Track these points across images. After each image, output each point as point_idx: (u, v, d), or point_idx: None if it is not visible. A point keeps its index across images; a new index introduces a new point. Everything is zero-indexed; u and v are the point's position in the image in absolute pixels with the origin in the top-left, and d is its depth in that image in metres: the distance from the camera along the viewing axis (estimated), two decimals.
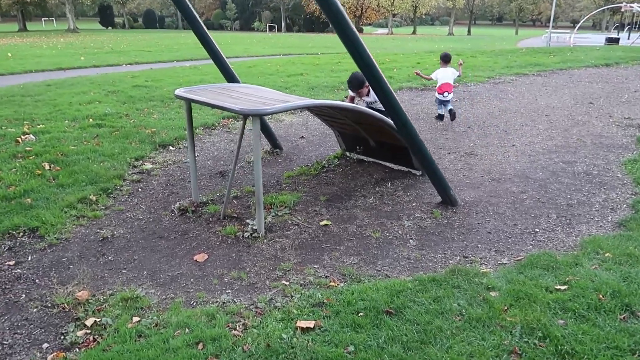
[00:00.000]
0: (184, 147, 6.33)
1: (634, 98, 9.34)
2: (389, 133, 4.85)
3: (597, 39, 36.41)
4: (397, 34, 61.71)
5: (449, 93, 7.69)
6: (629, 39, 31.84)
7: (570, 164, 5.53)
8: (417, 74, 8.23)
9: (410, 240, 3.83)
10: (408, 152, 5.08)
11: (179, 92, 4.10)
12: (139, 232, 4.02)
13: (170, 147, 6.25)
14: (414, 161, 5.13)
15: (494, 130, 7.20)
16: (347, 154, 5.80)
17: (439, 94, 7.81)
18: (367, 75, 3.83)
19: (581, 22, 36.21)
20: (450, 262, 3.50)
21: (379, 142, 5.35)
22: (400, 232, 3.96)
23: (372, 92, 5.19)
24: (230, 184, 4.15)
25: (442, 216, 4.24)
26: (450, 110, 7.63)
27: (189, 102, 4.16)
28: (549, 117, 7.89)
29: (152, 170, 5.41)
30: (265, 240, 3.80)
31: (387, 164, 5.47)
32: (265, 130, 5.93)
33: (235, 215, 4.22)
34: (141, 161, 5.63)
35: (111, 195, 4.70)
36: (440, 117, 7.89)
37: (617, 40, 27.89)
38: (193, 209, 4.37)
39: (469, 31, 67.68)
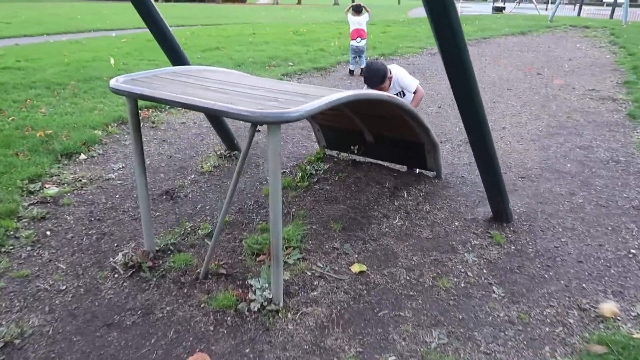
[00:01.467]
0: (100, 154, 4.54)
1: (576, 67, 9.04)
2: (404, 126, 3.63)
3: (477, 8, 38.02)
4: (282, 4, 59.81)
5: (361, 39, 7.84)
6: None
7: (587, 150, 4.75)
8: None
9: (493, 287, 2.68)
10: (422, 149, 3.91)
11: (119, 83, 2.46)
12: (67, 319, 2.41)
13: (79, 157, 4.43)
14: (428, 160, 3.98)
15: None
16: (331, 152, 4.48)
17: (352, 40, 7.97)
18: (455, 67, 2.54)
19: None
20: (570, 321, 2.42)
21: (380, 137, 4.11)
22: (468, 272, 2.80)
23: (396, 81, 3.84)
24: (217, 236, 2.64)
25: (506, 240, 3.15)
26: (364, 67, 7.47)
27: (135, 99, 2.55)
28: (513, 92, 7.18)
29: (60, 196, 3.65)
30: (289, 315, 2.42)
31: (387, 163, 4.26)
32: (219, 125, 4.39)
33: (224, 272, 2.75)
34: (40, 183, 3.81)
35: (2, 251, 2.95)
36: (350, 72, 7.99)
37: (502, 9, 29.04)
38: (150, 264, 2.81)
39: (352, 0, 67.88)
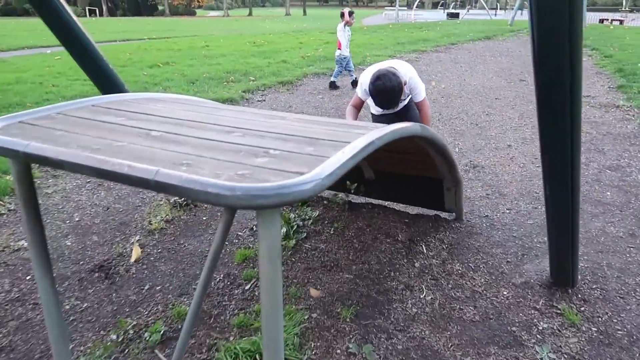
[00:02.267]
0: (11, 210, 3.42)
1: None
2: (424, 161, 2.74)
3: (428, 15, 38.24)
4: (233, 15, 58.68)
5: (338, 50, 7.24)
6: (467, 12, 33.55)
7: (619, 171, 4.00)
8: None
9: None
10: (439, 186, 3.03)
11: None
12: None
13: None
14: (447, 199, 3.10)
15: (460, 122, 5.50)
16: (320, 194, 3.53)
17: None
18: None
19: (417, 0, 37.48)
20: None
21: (385, 174, 3.20)
22: None
23: (408, 85, 2.97)
24: (181, 354, 1.64)
25: (581, 317, 2.27)
26: (331, 83, 7.24)
27: (27, 163, 1.52)
28: (503, 101, 6.47)
29: None
30: None
31: (392, 203, 3.35)
32: None
33: None
34: None
35: None
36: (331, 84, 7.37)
37: (457, 15, 29.09)
38: None
39: (304, 11, 67.42)
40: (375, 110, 3.33)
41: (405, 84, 2.88)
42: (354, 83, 7.21)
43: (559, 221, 2.18)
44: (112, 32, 21.81)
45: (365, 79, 2.94)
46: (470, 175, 4.02)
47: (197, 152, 1.34)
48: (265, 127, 1.63)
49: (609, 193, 3.59)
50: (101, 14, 58.12)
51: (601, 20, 23.98)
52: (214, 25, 30.63)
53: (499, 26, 16.71)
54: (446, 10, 36.39)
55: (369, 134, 1.45)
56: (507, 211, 3.36)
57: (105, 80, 2.65)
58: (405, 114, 3.30)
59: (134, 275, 2.63)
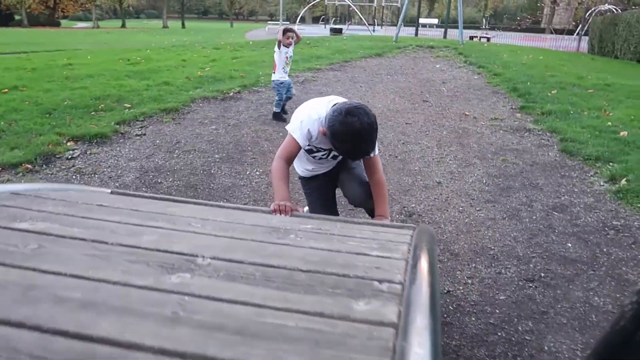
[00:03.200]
0: None
1: (455, 91, 8.33)
2: None
3: (311, 30, 38.50)
4: (104, 27, 54.48)
5: (273, 73, 6.21)
6: (374, 31, 34.12)
7: (565, 212, 3.59)
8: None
9: None
10: None
11: None
12: None
13: None
14: None
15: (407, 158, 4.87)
16: None
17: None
18: None
19: (300, 14, 37.56)
20: None
21: None
22: None
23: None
24: None
25: None
26: (275, 114, 6.24)
27: None
28: (414, 127, 6.01)
29: None
30: None
31: None
32: None
33: None
34: None
35: None
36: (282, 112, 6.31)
37: (340, 31, 29.44)
38: None
39: (183, 24, 64.94)
40: (307, 168, 2.47)
41: None
42: (277, 115, 6.15)
43: None
44: None
45: (308, 117, 2.08)
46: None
47: None
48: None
49: (569, 245, 3.11)
50: None
51: (471, 38, 25.65)
52: (81, 38, 27.79)
53: (384, 42, 16.83)
54: (329, 26, 36.90)
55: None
56: (469, 281, 2.71)
57: None
58: (348, 172, 2.47)
59: None
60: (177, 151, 4.84)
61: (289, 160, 2.10)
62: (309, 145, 2.16)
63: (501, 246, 3.10)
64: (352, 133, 1.84)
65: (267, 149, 4.99)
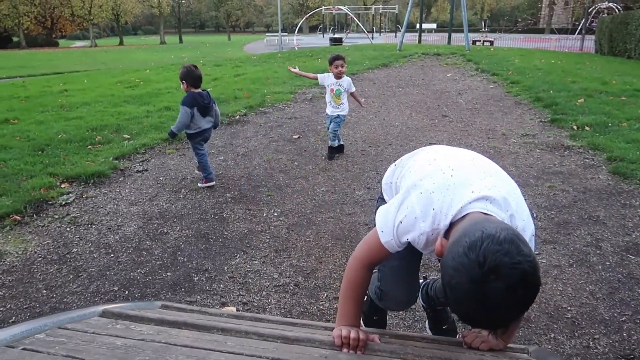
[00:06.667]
0: None
1: (474, 103, 7.83)
2: None
3: (309, 40, 38.21)
4: (102, 45, 54.28)
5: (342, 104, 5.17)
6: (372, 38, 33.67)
7: (635, 253, 3.06)
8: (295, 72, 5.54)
9: None
10: None
11: None
12: None
13: None
14: None
15: None
16: None
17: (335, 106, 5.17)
18: None
19: (298, 25, 37.25)
20: None
21: None
22: None
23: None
24: None
25: None
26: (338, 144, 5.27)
27: None
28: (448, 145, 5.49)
29: None
30: None
31: None
32: None
33: None
34: None
35: None
36: (333, 151, 5.27)
37: (340, 40, 29.06)
38: None
39: (180, 39, 64.76)
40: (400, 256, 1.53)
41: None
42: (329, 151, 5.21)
43: None
44: None
45: (413, 217, 1.26)
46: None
47: None
48: None
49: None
50: None
51: (474, 42, 25.20)
52: (78, 59, 27.44)
53: (388, 51, 16.36)
54: (328, 35, 36.57)
55: None
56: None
57: None
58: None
59: None
60: (183, 190, 4.33)
61: (372, 268, 1.43)
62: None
63: (578, 306, 2.58)
64: (485, 303, 1.00)
65: (283, 183, 4.49)
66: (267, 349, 1.12)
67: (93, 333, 1.13)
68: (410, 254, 1.52)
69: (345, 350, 1.17)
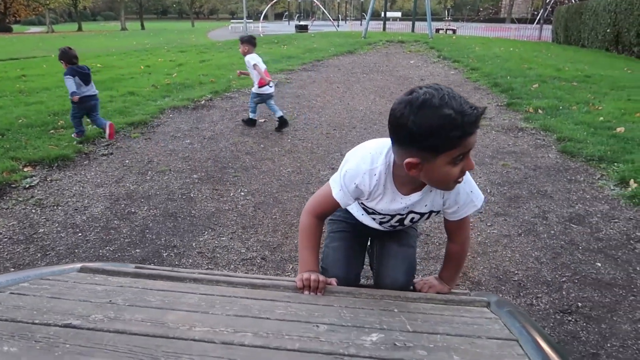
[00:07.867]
0: None
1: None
2: None
3: (275, 27, 37.94)
4: (59, 31, 52.42)
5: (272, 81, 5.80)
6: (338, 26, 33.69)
7: (583, 223, 3.32)
8: (242, 73, 6.01)
9: None
10: None
11: None
12: None
13: None
14: None
15: None
16: None
17: (261, 86, 5.61)
18: None
19: (264, 12, 36.92)
20: None
21: None
22: None
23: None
24: None
25: None
26: (281, 117, 5.68)
27: None
28: None
29: None
30: None
31: None
32: None
33: None
34: None
35: None
36: (252, 122, 5.89)
37: (306, 28, 29.00)
38: None
39: (142, 25, 63.16)
40: (354, 214, 1.76)
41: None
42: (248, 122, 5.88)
43: None
44: None
45: (356, 167, 1.43)
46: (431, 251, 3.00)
47: None
48: None
49: (599, 264, 2.83)
50: None
51: (437, 30, 25.61)
52: (35, 44, 26.50)
53: (354, 39, 16.52)
54: (293, 22, 36.40)
55: None
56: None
57: None
58: (398, 243, 1.78)
59: None
60: (150, 172, 4.38)
61: (322, 217, 1.56)
62: (361, 204, 1.60)
63: (525, 270, 2.80)
64: (444, 103, 1.14)
65: (250, 164, 4.58)
66: (236, 292, 1.24)
67: (74, 282, 1.22)
68: (352, 237, 1.75)
69: (306, 292, 1.31)
